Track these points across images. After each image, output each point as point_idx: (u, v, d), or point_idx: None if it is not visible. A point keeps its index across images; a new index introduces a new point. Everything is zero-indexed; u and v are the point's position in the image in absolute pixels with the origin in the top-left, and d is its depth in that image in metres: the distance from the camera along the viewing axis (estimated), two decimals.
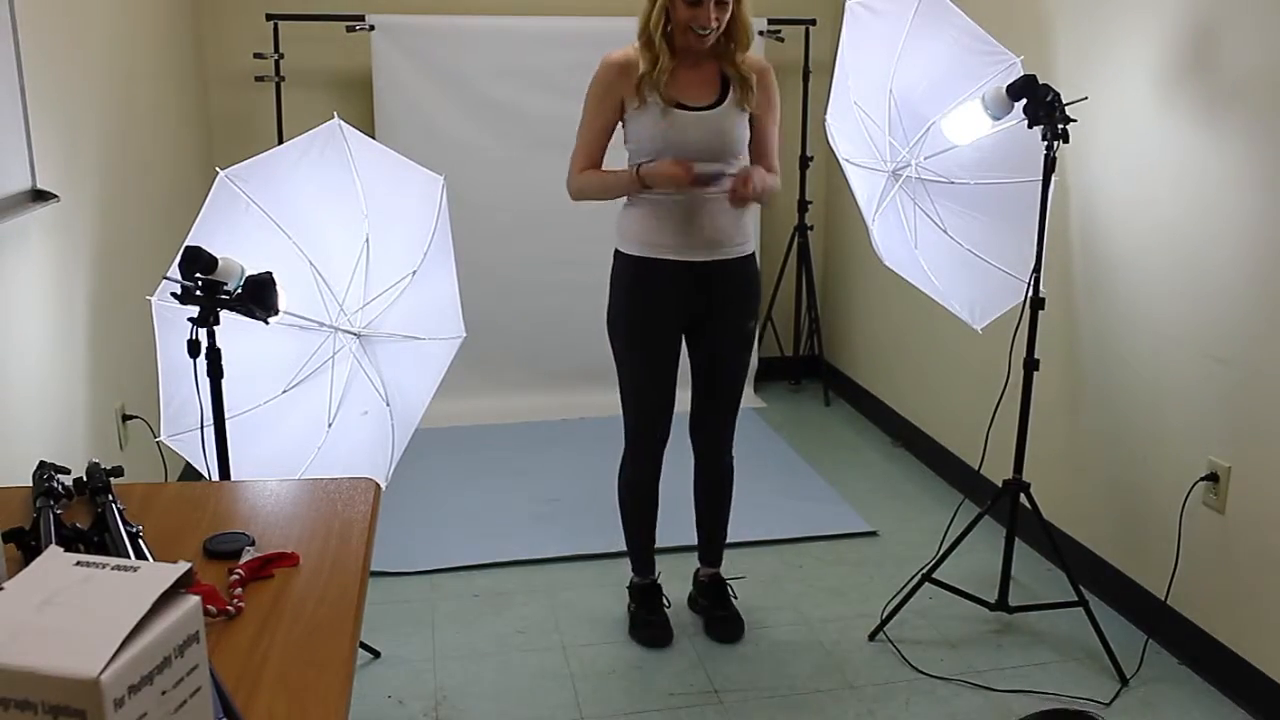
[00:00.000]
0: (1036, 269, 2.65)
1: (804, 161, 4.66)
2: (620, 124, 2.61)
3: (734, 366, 2.75)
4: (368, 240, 2.60)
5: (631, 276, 2.63)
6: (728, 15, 2.47)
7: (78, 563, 0.81)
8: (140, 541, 1.29)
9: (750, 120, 2.60)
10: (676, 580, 3.01)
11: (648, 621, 2.85)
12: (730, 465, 2.90)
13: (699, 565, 2.99)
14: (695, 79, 2.55)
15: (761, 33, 4.47)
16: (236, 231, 2.44)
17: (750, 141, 2.62)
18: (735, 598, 2.93)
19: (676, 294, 2.62)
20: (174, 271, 2.18)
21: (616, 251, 2.67)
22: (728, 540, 2.98)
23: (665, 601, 2.90)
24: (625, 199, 2.63)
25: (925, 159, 2.90)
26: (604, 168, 2.64)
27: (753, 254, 2.70)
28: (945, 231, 2.92)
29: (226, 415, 2.28)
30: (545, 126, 4.24)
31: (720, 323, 2.68)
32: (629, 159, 2.62)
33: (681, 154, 2.50)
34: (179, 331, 2.22)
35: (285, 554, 1.31)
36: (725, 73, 2.56)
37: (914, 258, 2.89)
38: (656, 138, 2.53)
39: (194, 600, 0.80)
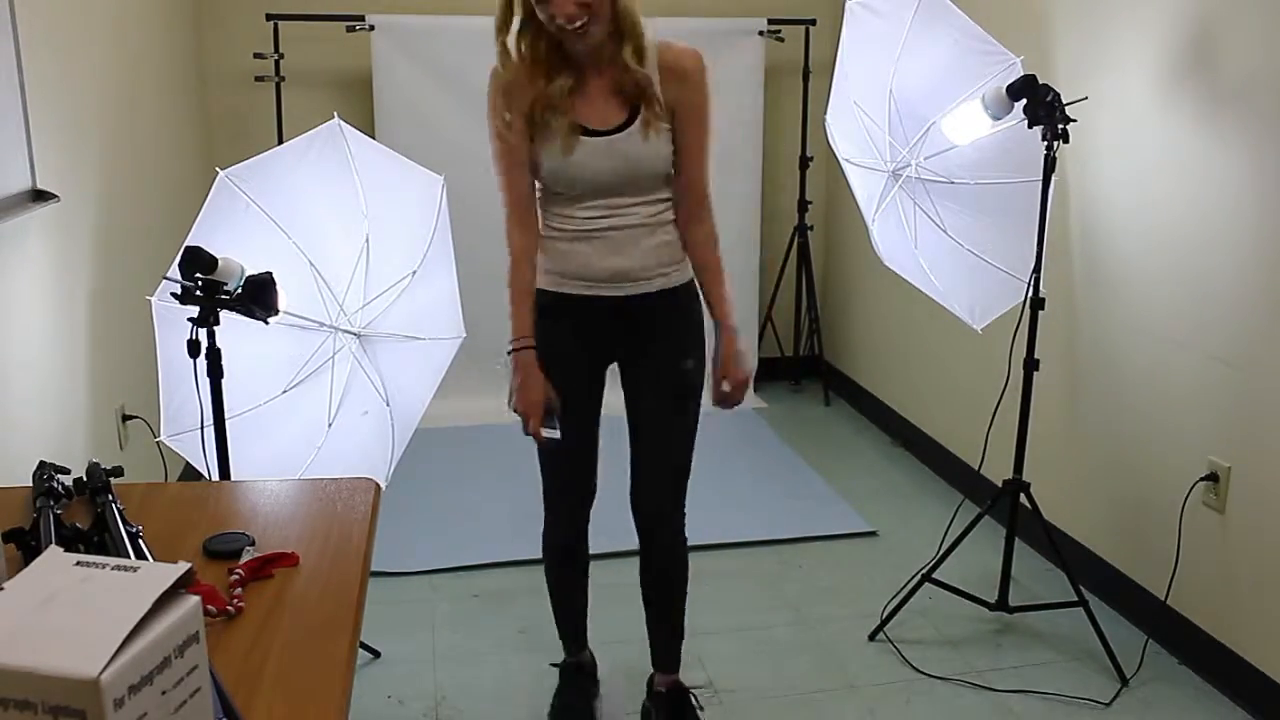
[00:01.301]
0: (1036, 269, 2.65)
1: (804, 161, 4.66)
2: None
3: (672, 418, 2.23)
4: (368, 240, 2.60)
5: (540, 312, 2.16)
6: (602, 10, 1.93)
7: (78, 563, 0.81)
8: (140, 541, 1.29)
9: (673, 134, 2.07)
10: None
11: (568, 709, 2.45)
12: (683, 549, 2.35)
13: (653, 671, 2.48)
14: (598, 92, 2.03)
15: (761, 33, 4.48)
16: (236, 231, 2.44)
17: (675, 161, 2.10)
18: (701, 709, 2.46)
19: (590, 332, 2.18)
20: (174, 271, 2.18)
21: None
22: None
23: (595, 687, 2.51)
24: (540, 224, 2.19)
25: (925, 159, 2.90)
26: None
27: (689, 281, 2.20)
28: (945, 231, 2.92)
29: (226, 415, 2.28)
30: None
31: (649, 365, 2.21)
32: (540, 191, 2.18)
33: (590, 189, 2.07)
34: (179, 331, 2.22)
35: (285, 554, 1.31)
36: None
37: (914, 258, 2.89)
38: (557, 171, 2.07)
39: (194, 600, 0.80)
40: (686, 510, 2.33)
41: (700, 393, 2.23)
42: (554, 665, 2.57)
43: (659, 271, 2.15)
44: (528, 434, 2.15)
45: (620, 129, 2.04)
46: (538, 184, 2.16)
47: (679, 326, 2.21)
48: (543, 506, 2.36)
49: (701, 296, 2.23)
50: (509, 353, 2.12)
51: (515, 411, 2.14)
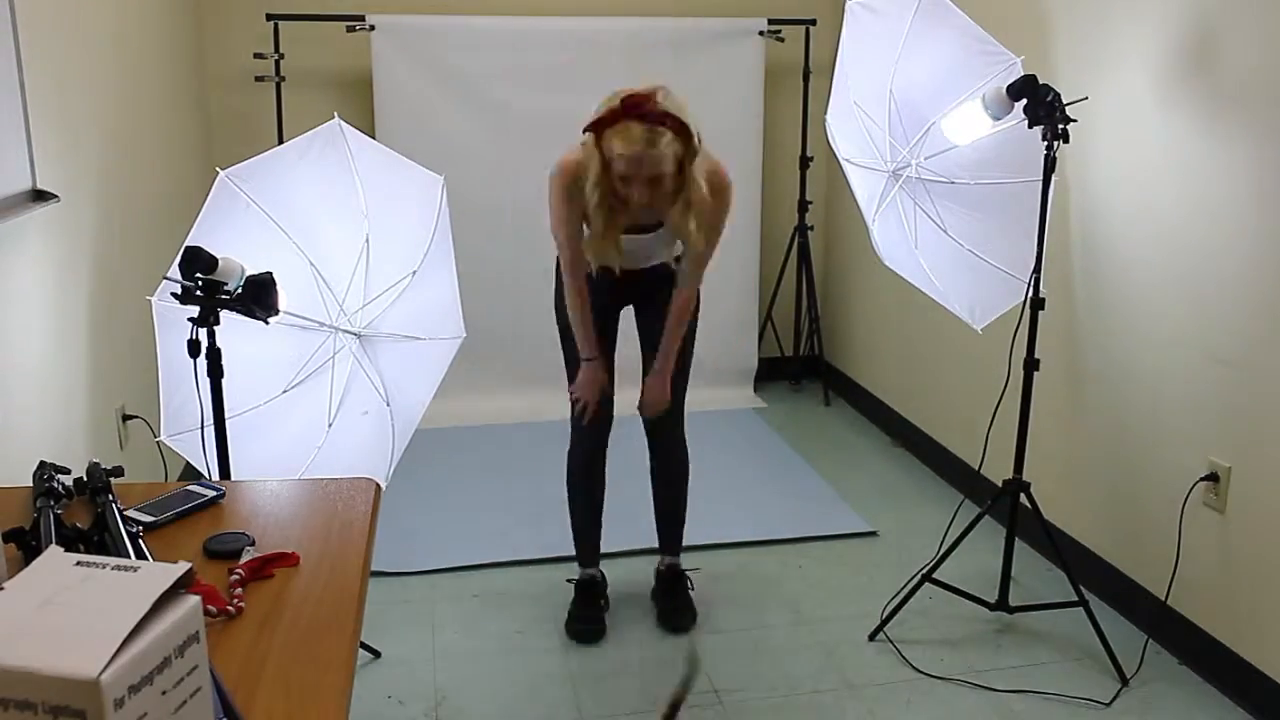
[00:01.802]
0: (1036, 269, 2.65)
1: (804, 161, 4.67)
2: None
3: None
4: (368, 240, 2.60)
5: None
6: (668, 187, 2.43)
7: (78, 563, 0.81)
8: (140, 541, 1.29)
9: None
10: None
11: (579, 617, 2.88)
12: (683, 451, 2.91)
13: (660, 555, 3.02)
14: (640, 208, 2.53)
15: (761, 33, 4.48)
16: (236, 231, 2.44)
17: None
18: (692, 589, 2.98)
19: (605, 286, 2.72)
20: (174, 271, 2.18)
21: None
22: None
23: (604, 602, 2.93)
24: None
25: (925, 159, 2.90)
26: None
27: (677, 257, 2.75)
28: (945, 231, 2.92)
29: (226, 415, 2.28)
30: (545, 126, 4.23)
31: (655, 311, 2.75)
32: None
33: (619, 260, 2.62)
34: (179, 331, 2.22)
35: (285, 554, 1.31)
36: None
37: (914, 258, 2.89)
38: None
39: (194, 600, 0.80)
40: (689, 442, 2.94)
41: (694, 334, 2.80)
42: (569, 581, 2.97)
43: (657, 261, 2.71)
44: (578, 417, 2.78)
45: (647, 230, 2.61)
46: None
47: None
48: (570, 431, 2.85)
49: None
50: (585, 359, 2.72)
51: (574, 400, 2.79)
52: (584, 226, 2.61)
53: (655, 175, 2.39)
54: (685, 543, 3.02)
